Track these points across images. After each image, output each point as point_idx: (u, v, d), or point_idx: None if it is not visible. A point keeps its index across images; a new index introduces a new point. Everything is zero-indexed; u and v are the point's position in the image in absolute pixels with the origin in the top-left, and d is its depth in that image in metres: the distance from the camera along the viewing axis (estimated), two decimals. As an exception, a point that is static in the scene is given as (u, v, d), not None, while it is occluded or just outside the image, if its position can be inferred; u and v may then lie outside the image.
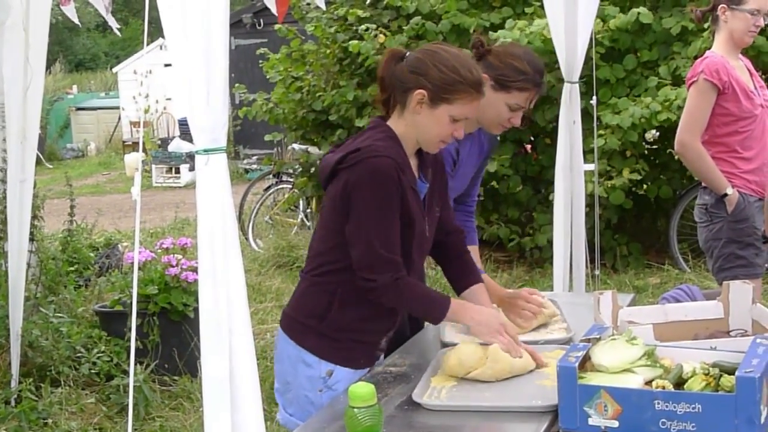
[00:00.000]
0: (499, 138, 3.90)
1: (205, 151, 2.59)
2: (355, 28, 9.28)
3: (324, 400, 3.02)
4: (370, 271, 2.91)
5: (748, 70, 4.75)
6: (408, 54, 3.02)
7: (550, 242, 5.36)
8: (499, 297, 3.50)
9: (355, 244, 2.93)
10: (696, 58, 6.10)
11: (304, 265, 3.19)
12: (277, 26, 9.89)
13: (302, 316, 3.12)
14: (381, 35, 8.71)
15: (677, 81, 7.73)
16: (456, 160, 3.52)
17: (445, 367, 2.94)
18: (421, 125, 2.98)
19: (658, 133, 8.61)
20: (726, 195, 4.54)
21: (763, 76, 7.00)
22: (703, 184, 4.74)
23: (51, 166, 16.37)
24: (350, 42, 8.82)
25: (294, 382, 3.11)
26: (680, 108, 7.13)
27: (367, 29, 8.74)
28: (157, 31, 2.56)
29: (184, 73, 2.56)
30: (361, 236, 2.91)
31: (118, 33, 5.61)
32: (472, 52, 3.50)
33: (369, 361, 3.15)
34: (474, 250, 3.76)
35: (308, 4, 9.77)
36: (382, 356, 3.26)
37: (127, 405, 2.89)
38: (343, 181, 2.93)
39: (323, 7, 6.09)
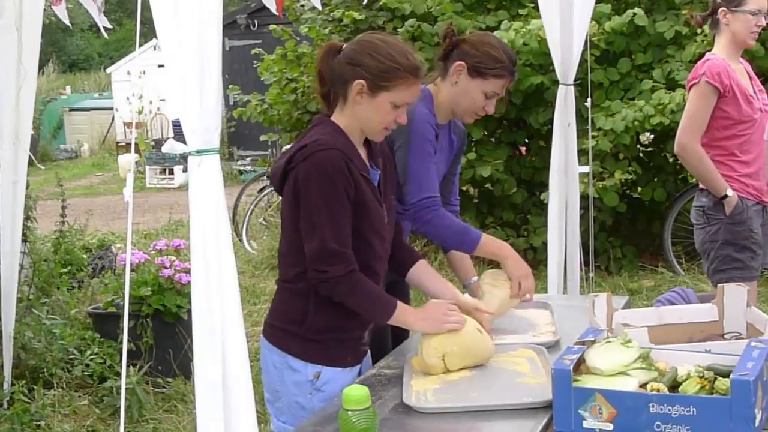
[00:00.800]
0: (466, 137, 3.94)
1: (198, 152, 2.59)
2: (350, 29, 9.28)
3: (315, 402, 3.01)
4: (322, 263, 2.91)
5: (748, 73, 4.74)
6: (344, 46, 3.04)
7: (545, 244, 5.36)
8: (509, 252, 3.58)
9: (308, 238, 2.93)
10: (691, 62, 6.11)
11: (278, 274, 3.20)
12: (272, 27, 9.87)
13: (282, 322, 3.12)
14: (378, 36, 8.69)
15: (671, 84, 7.74)
16: (435, 139, 3.53)
17: (427, 368, 2.97)
18: (363, 115, 3.00)
19: (652, 136, 8.62)
20: (726, 197, 4.54)
21: (760, 79, 7.03)
22: (700, 186, 4.74)
23: (43, 168, 16.33)
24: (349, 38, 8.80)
25: (283, 389, 3.10)
26: (674, 112, 7.17)
27: (367, 29, 8.72)
28: (150, 31, 2.55)
29: (177, 75, 2.55)
30: (314, 230, 2.91)
31: (105, 34, 5.57)
32: (443, 42, 3.55)
33: (356, 358, 3.15)
34: (466, 256, 3.82)
35: (302, 5, 9.76)
36: (369, 355, 3.26)
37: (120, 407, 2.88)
38: (293, 179, 2.95)
39: (319, 6, 6.07)
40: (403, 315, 3.06)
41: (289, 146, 9.72)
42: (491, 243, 3.57)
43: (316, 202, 2.90)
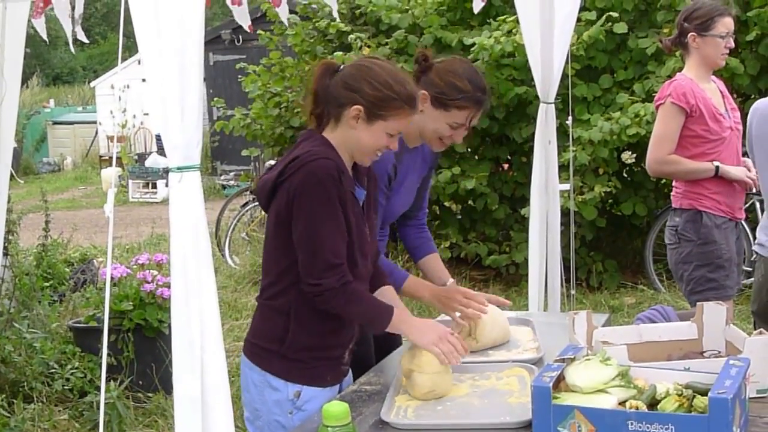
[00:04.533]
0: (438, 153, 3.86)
1: (179, 168, 2.58)
2: (335, 43, 9.29)
3: (295, 422, 3.00)
4: (317, 276, 2.90)
5: (721, 92, 4.79)
6: (342, 67, 3.03)
7: (527, 260, 5.37)
8: (431, 292, 3.52)
9: (303, 249, 2.91)
10: (670, 77, 6.15)
11: (258, 292, 3.18)
12: (259, 32, 9.86)
13: (263, 341, 3.10)
14: (366, 47, 8.71)
15: (650, 98, 7.78)
16: (393, 177, 3.50)
17: (416, 393, 2.95)
18: (356, 139, 2.99)
19: (635, 155, 8.66)
20: (717, 170, 4.57)
21: (738, 99, 7.08)
22: (673, 206, 4.78)
23: (22, 182, 16.27)
24: (335, 54, 8.80)
25: (263, 408, 3.08)
26: (649, 123, 7.23)
27: (356, 39, 8.74)
28: (135, 45, 2.55)
29: (158, 90, 2.55)
30: (309, 240, 2.89)
31: (72, 49, 5.53)
32: (414, 66, 3.51)
33: (336, 377, 3.14)
34: (436, 257, 3.86)
35: (289, 17, 9.74)
36: (351, 372, 3.25)
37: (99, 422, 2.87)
38: (286, 191, 2.92)
39: (285, 23, 6.07)
40: (399, 321, 3.03)
41: (272, 161, 9.73)
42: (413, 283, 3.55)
43: (311, 213, 2.88)
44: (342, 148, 3.01)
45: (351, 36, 8.81)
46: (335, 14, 5.20)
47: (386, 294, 3.25)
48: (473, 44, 8.12)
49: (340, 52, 8.75)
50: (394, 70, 3.02)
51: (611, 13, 7.97)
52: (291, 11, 5.70)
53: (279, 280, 3.03)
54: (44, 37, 5.37)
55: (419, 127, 3.43)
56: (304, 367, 3.04)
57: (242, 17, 4.74)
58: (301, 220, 2.90)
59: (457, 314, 3.45)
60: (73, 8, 5.02)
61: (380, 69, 2.98)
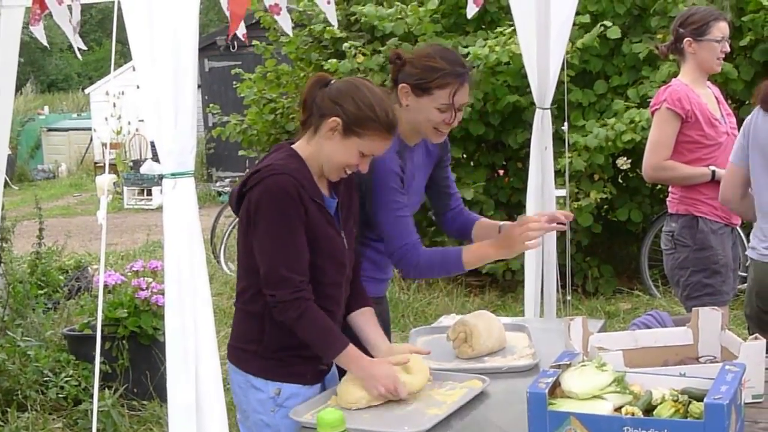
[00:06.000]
0: (449, 144, 3.85)
1: (173, 175, 2.58)
2: (330, 50, 9.29)
3: (278, 419, 3.03)
4: (270, 287, 2.96)
5: (716, 97, 4.79)
6: (333, 82, 3.10)
7: (523, 267, 5.36)
8: (493, 244, 3.45)
9: (261, 262, 2.98)
10: (664, 82, 6.17)
11: (235, 296, 3.22)
12: (254, 42, 9.86)
13: (241, 342, 3.17)
14: (360, 55, 8.71)
15: (644, 104, 7.79)
16: (403, 177, 3.46)
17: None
18: (328, 151, 3.04)
19: (630, 161, 8.67)
20: (714, 174, 4.57)
21: (732, 105, 7.09)
22: (670, 211, 4.78)
23: (16, 189, 16.23)
24: (329, 61, 8.81)
25: (248, 408, 3.13)
26: (644, 129, 7.24)
27: (350, 47, 8.74)
28: (130, 51, 2.55)
29: (152, 97, 2.55)
30: (265, 254, 2.96)
31: (79, 56, 5.54)
32: (391, 68, 3.50)
33: (315, 376, 3.17)
34: (482, 222, 3.83)
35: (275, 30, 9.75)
36: (335, 369, 3.25)
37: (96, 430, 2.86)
38: (246, 201, 2.99)
39: (290, 33, 6.07)
40: (346, 359, 3.03)
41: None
42: (474, 251, 3.48)
43: (267, 227, 2.95)
44: (313, 159, 3.06)
45: (345, 44, 8.81)
46: (333, 21, 5.19)
47: (365, 316, 3.26)
48: (468, 54, 8.11)
49: (335, 60, 8.75)
50: (381, 95, 3.07)
51: (606, 23, 7.96)
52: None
53: (251, 285, 3.07)
54: (45, 43, 5.38)
55: (412, 123, 3.43)
56: (282, 364, 3.08)
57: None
58: (258, 233, 2.97)
59: (452, 323, 3.45)
60: (70, 15, 5.02)
61: (367, 91, 3.05)
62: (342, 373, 3.17)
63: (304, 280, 2.97)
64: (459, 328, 3.45)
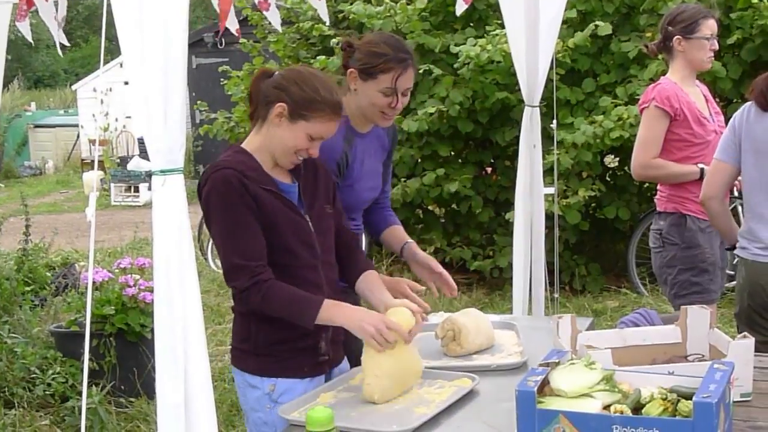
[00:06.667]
0: (396, 129, 3.94)
1: (162, 172, 2.57)
2: (318, 47, 9.28)
3: (275, 416, 3.01)
4: (229, 280, 3.00)
5: (705, 96, 4.80)
6: (276, 72, 3.13)
7: (510, 264, 5.36)
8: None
9: (220, 258, 3.05)
10: (652, 80, 6.17)
11: None
12: (241, 41, 9.84)
13: (237, 343, 3.20)
14: (349, 51, 8.69)
15: (632, 101, 7.80)
16: (344, 165, 3.54)
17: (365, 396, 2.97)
18: (278, 137, 3.07)
19: (618, 159, 8.69)
20: (702, 172, 4.57)
21: (720, 103, 7.10)
22: (658, 210, 4.78)
23: (3, 185, 16.18)
24: (317, 58, 8.80)
25: (247, 408, 3.16)
26: (632, 126, 7.25)
27: (337, 42, 8.73)
28: (118, 48, 2.54)
29: (141, 93, 2.54)
30: (219, 249, 3.02)
31: (60, 52, 5.53)
32: (341, 54, 3.60)
33: (314, 368, 3.16)
34: (398, 228, 3.88)
35: (270, 23, 9.73)
36: (346, 360, 3.28)
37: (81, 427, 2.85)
38: (201, 201, 3.04)
39: (279, 29, 6.07)
40: (327, 312, 2.99)
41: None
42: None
43: (215, 221, 3.00)
44: (263, 150, 3.10)
45: (333, 40, 8.80)
46: (325, 18, 5.19)
47: (368, 279, 3.28)
48: (459, 53, 8.12)
49: (323, 56, 8.75)
50: (324, 78, 3.13)
51: (597, 22, 7.96)
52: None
53: None
54: (29, 39, 5.35)
55: (359, 107, 3.54)
56: (275, 359, 3.10)
57: (230, 22, 4.75)
58: (212, 230, 3.04)
59: (441, 321, 3.47)
60: (56, 11, 5.01)
61: (310, 75, 3.11)
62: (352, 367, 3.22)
63: (261, 264, 2.98)
64: (447, 326, 3.45)
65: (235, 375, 3.20)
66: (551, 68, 5.09)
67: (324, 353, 3.18)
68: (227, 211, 2.97)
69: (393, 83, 3.46)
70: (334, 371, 3.24)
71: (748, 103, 4.20)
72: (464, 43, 8.33)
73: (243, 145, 3.14)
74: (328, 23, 7.28)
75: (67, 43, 5.32)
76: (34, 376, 5.84)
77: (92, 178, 12.47)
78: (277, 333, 3.06)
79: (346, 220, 3.48)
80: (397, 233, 3.87)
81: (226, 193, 2.96)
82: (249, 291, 2.96)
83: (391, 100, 3.49)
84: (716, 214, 4.37)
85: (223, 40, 17.20)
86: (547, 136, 6.14)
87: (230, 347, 3.24)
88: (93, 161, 20.12)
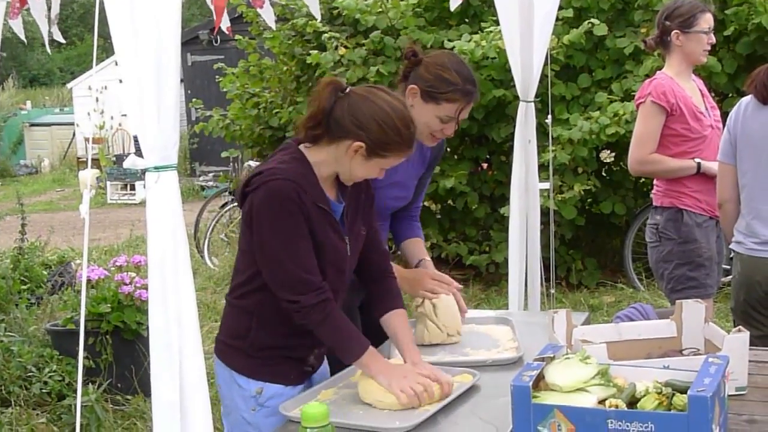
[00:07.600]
0: (444, 144, 3.88)
1: (156, 168, 2.57)
2: (313, 43, 9.27)
3: (259, 418, 3.02)
4: (293, 293, 2.90)
5: (701, 90, 4.80)
6: (348, 90, 2.97)
7: (506, 260, 5.36)
8: (399, 274, 3.46)
9: (271, 269, 2.92)
10: (647, 76, 6.16)
11: (228, 290, 3.19)
12: (237, 37, 9.84)
13: (228, 338, 3.14)
14: (342, 47, 8.70)
15: (628, 97, 7.81)
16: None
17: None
18: (347, 166, 2.97)
19: (614, 154, 8.69)
20: (699, 167, 4.59)
21: (716, 98, 7.11)
22: (654, 204, 4.79)
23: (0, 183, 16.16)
24: (311, 53, 8.79)
25: (231, 404, 3.11)
26: (628, 122, 7.26)
27: (330, 38, 8.72)
28: (112, 46, 2.54)
29: (135, 90, 2.54)
30: (276, 262, 2.90)
31: (48, 50, 5.51)
32: (404, 62, 3.51)
33: (299, 377, 3.14)
34: (418, 241, 3.86)
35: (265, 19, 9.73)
36: (327, 365, 3.26)
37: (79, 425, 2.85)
38: (248, 204, 2.93)
39: (273, 27, 6.06)
40: (368, 358, 2.95)
41: (252, 161, 9.69)
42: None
43: (271, 234, 2.88)
44: (325, 165, 2.99)
45: (325, 35, 8.79)
46: (316, 15, 5.18)
47: (395, 319, 3.19)
48: (453, 48, 8.11)
49: (316, 52, 8.74)
50: (401, 110, 2.97)
51: (593, 20, 7.97)
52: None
53: (249, 281, 3.03)
54: (22, 37, 5.33)
55: None
56: (266, 363, 3.06)
57: (222, 21, 4.74)
58: (260, 238, 2.91)
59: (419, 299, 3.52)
60: (49, 8, 4.99)
61: (390, 109, 2.93)
62: (332, 372, 3.21)
63: (324, 282, 2.92)
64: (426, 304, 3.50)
65: (219, 367, 3.13)
66: (546, 64, 5.09)
67: (310, 365, 3.18)
68: (286, 222, 2.86)
69: (456, 114, 3.41)
70: (314, 377, 3.21)
71: (744, 99, 4.21)
72: (459, 39, 8.33)
73: (304, 150, 3.00)
74: (320, 20, 7.27)
75: (62, 40, 5.31)
76: (30, 374, 5.83)
77: (88, 175, 12.46)
78: (274, 339, 3.04)
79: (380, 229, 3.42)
80: (416, 247, 3.82)
81: (284, 204, 2.85)
82: (313, 308, 2.89)
83: (447, 127, 3.45)
84: (732, 218, 4.36)
85: (218, 37, 17.21)
86: (542, 132, 6.14)
87: (218, 339, 3.17)
88: (88, 159, 20.10)
